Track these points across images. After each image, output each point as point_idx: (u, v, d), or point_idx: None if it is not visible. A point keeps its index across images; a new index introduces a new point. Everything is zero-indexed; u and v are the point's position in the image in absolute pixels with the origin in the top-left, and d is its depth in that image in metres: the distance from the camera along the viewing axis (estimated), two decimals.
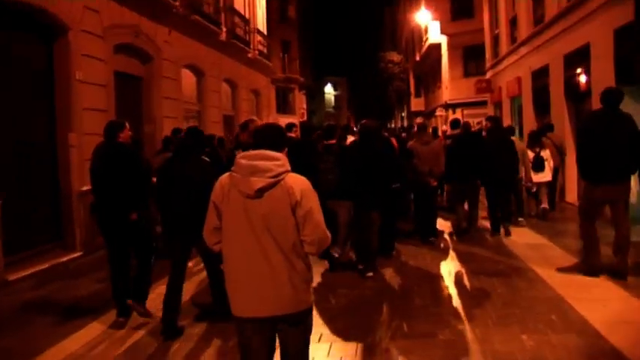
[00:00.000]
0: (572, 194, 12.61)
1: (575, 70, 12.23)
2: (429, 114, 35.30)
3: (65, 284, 7.60)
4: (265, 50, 23.20)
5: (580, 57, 11.78)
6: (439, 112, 30.63)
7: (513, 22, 17.96)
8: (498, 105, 21.23)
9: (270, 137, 3.02)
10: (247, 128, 6.52)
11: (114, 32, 10.73)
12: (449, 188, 10.53)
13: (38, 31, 9.03)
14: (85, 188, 9.40)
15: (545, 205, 10.77)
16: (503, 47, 19.19)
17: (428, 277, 7.18)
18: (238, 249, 2.93)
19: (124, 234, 5.63)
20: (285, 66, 35.54)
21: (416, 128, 10.63)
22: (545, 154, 10.64)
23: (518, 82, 17.05)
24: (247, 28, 20.29)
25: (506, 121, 18.86)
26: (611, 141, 6.05)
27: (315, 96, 68.82)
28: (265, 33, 23.69)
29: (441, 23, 28.03)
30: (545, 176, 10.61)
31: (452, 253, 8.50)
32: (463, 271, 7.39)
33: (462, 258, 8.09)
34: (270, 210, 2.85)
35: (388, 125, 57.73)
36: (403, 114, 49.95)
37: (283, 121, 34.57)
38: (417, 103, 39.98)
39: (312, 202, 2.92)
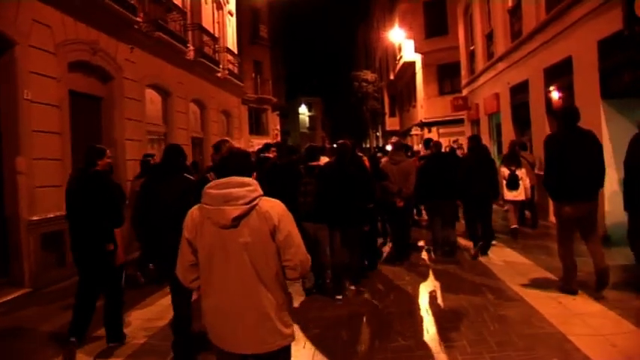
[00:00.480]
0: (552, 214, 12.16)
1: (557, 84, 11.78)
2: (405, 133, 35.16)
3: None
4: (236, 70, 22.49)
5: (561, 70, 11.34)
6: (414, 131, 30.36)
7: (490, 37, 17.62)
8: (476, 122, 20.80)
9: (238, 163, 2.97)
10: (220, 150, 6.23)
11: (68, 48, 9.90)
12: (427, 207, 10.24)
13: None
14: (35, 218, 8.65)
15: (515, 224, 10.61)
16: (480, 63, 18.82)
17: (405, 301, 6.98)
18: (217, 283, 2.85)
19: (97, 264, 5.44)
20: (258, 86, 34.97)
21: (392, 147, 10.56)
22: (521, 172, 10.57)
23: (497, 98, 16.62)
24: (216, 46, 19.58)
25: (485, 139, 18.44)
26: (571, 159, 6.10)
27: (289, 116, 68.96)
28: (236, 52, 22.96)
29: (415, 41, 27.91)
30: (519, 195, 10.52)
31: (428, 273, 8.37)
32: (437, 290, 7.35)
33: (437, 277, 8.04)
34: (250, 238, 2.78)
35: (363, 145, 57.59)
36: (378, 133, 49.67)
37: (257, 142, 34.18)
38: (392, 123, 39.91)
39: (290, 225, 2.88)
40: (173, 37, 14.59)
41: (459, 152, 12.58)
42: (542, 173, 8.60)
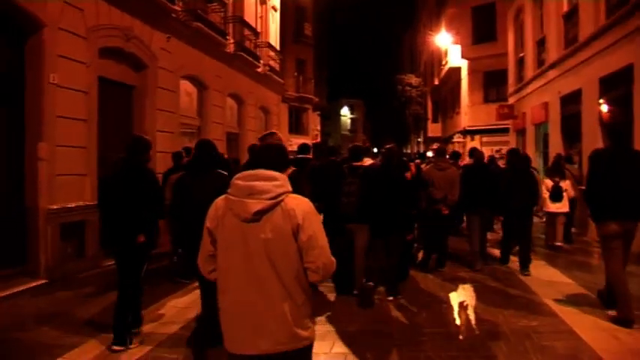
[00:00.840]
0: (593, 231, 11.38)
1: (613, 94, 10.97)
2: (447, 140, 34.35)
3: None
4: (277, 67, 22.12)
5: (619, 80, 10.53)
6: (457, 139, 29.55)
7: (541, 44, 16.76)
8: (521, 132, 19.91)
9: (269, 156, 2.87)
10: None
11: (100, 34, 9.63)
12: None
13: (6, 28, 8.02)
14: (54, 207, 8.38)
15: (559, 242, 10.50)
16: (529, 71, 17.95)
17: (439, 320, 6.43)
18: (234, 279, 2.72)
19: (129, 255, 5.39)
20: (300, 85, 34.61)
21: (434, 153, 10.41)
22: (565, 184, 10.45)
23: (545, 107, 15.76)
24: (258, 41, 19.23)
25: (530, 150, 17.62)
26: (621, 176, 5.82)
27: (330, 117, 68.83)
28: (278, 49, 22.60)
29: (462, 47, 27.12)
30: (563, 207, 10.38)
31: (466, 288, 7.93)
32: (473, 310, 6.82)
33: (475, 293, 7.61)
34: (271, 234, 2.65)
35: (404, 150, 56.74)
36: (419, 139, 48.77)
37: (296, 141, 33.82)
38: (434, 129, 39.01)
39: (315, 225, 2.74)
40: (212, 28, 14.26)
41: (500, 162, 12.27)
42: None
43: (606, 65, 11.10)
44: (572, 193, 10.56)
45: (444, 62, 32.23)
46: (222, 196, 2.81)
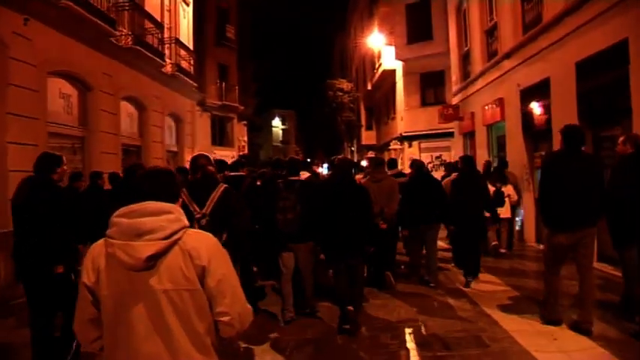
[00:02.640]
0: (530, 234, 12.09)
1: (598, 80, 8.80)
2: (382, 148, 32.44)
3: None
4: (190, 69, 19.13)
5: (606, 61, 8.38)
6: (394, 146, 27.51)
7: (491, 33, 14.67)
8: (469, 135, 17.75)
9: (158, 184, 2.34)
10: (196, 169, 5.24)
11: None
12: (405, 233, 9.28)
13: None
14: None
15: (495, 241, 10.40)
16: (477, 65, 15.80)
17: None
18: (125, 347, 2.15)
19: (47, 288, 4.81)
20: (223, 93, 31.71)
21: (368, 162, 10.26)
22: (507, 189, 10.48)
23: (500, 104, 13.58)
24: (163, 37, 16.28)
25: (481, 154, 15.44)
26: (572, 184, 5.56)
27: (261, 129, 68.12)
28: (192, 48, 19.62)
29: (396, 47, 25.35)
30: (505, 212, 10.37)
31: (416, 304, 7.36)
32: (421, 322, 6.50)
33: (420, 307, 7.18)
34: (170, 284, 2.13)
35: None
36: (353, 148, 46.68)
37: (220, 153, 30.98)
38: (368, 136, 37.12)
39: (224, 266, 2.28)
40: (90, 11, 11.11)
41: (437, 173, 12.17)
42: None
43: (587, 45, 8.89)
44: (514, 197, 10.73)
45: (377, 65, 30.46)
46: (100, 241, 2.22)
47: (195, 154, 5.68)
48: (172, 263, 2.15)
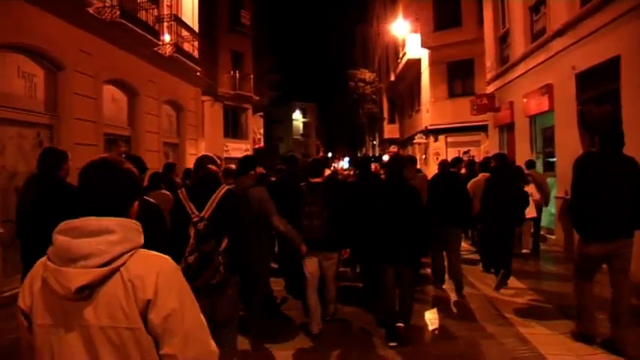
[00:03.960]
0: (558, 236, 11.35)
1: None
2: (405, 142, 30.53)
3: None
4: (194, 52, 17.27)
5: None
6: (418, 140, 25.63)
7: (535, 9, 12.53)
8: (507, 128, 15.62)
9: (102, 189, 1.81)
10: (200, 169, 4.65)
11: None
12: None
13: None
14: None
15: (527, 249, 10.36)
16: (518, 47, 13.67)
17: None
18: None
19: None
20: (236, 82, 29.94)
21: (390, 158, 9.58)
22: (530, 188, 9.94)
23: (548, 91, 11.47)
24: (160, 14, 14.41)
25: (522, 150, 13.36)
26: (609, 189, 5.12)
27: (282, 122, 67.30)
28: (196, 30, 17.74)
29: (422, 35, 23.90)
30: (530, 212, 9.65)
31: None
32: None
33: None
34: (107, 320, 1.68)
35: (358, 153, 52.91)
36: (375, 142, 44.68)
37: (233, 146, 29.19)
38: (391, 130, 35.32)
39: (175, 299, 1.74)
40: None
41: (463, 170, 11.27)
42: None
43: None
44: (537, 196, 10.29)
45: (401, 55, 28.76)
46: (42, 260, 1.78)
47: (199, 155, 5.17)
48: (111, 295, 1.68)
